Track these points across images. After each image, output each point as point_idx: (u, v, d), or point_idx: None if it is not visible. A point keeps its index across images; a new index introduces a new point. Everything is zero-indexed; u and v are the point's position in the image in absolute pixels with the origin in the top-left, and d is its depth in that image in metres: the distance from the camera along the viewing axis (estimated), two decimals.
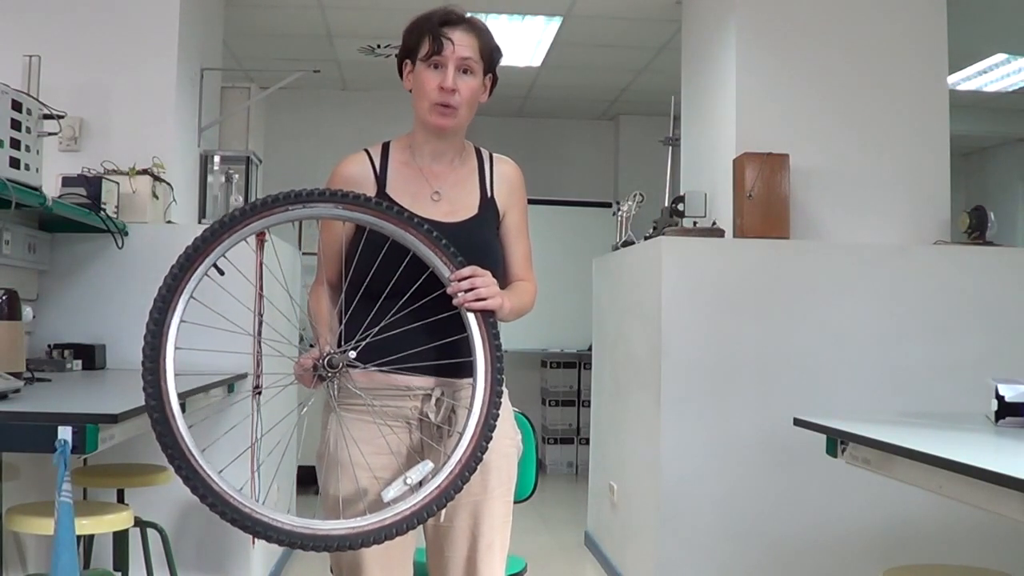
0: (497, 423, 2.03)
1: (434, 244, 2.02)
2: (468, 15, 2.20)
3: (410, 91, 2.22)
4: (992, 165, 9.13)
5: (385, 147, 2.26)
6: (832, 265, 4.15)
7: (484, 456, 2.03)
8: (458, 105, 2.15)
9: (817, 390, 4.03)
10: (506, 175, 2.31)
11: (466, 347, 2.05)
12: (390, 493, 1.94)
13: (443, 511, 2.15)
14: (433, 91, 2.14)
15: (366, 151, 2.25)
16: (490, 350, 2.04)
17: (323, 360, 1.99)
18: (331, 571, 2.25)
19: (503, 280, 2.28)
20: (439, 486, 1.94)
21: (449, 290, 2.03)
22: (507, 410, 2.28)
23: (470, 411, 2.01)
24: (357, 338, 2.02)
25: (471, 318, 2.03)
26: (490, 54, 2.20)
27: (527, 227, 2.36)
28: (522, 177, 2.34)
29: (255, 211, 1.92)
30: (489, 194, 2.26)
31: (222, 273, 1.96)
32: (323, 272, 2.26)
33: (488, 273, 2.07)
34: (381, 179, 2.20)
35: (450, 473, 1.96)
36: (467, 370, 2.09)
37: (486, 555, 2.19)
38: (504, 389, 2.27)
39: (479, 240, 2.19)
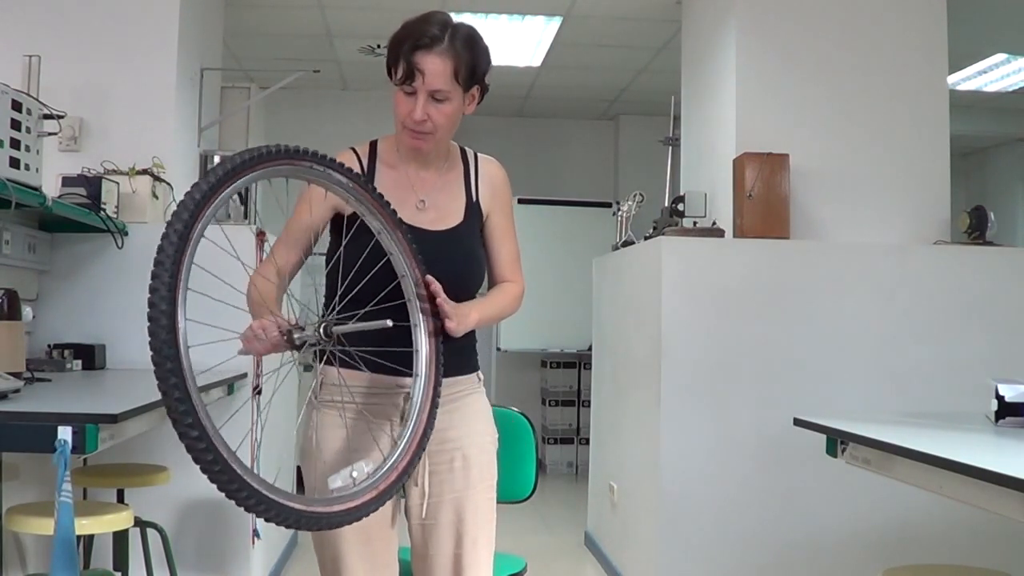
0: (435, 418, 2.05)
1: (413, 256, 2.05)
2: (448, 28, 2.09)
3: None
4: (992, 165, 9.13)
5: (373, 145, 2.24)
6: (832, 265, 4.15)
7: (465, 453, 2.08)
8: (431, 131, 2.12)
9: (817, 390, 4.03)
10: (489, 175, 2.28)
11: (450, 345, 2.09)
12: (336, 481, 1.91)
13: (425, 508, 2.16)
14: (406, 117, 2.11)
15: (353, 149, 2.23)
16: (434, 351, 2.07)
17: (318, 328, 1.92)
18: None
19: (490, 281, 2.30)
20: (379, 484, 1.93)
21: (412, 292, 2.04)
22: (485, 404, 2.30)
23: (412, 414, 2.03)
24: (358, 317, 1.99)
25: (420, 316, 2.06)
26: (470, 73, 2.11)
27: (513, 227, 2.32)
28: (506, 177, 2.31)
29: (287, 154, 1.85)
30: (474, 198, 2.24)
31: (244, 203, 1.95)
32: (277, 256, 2.17)
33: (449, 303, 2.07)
34: (369, 176, 2.19)
35: (388, 475, 1.95)
36: (452, 368, 2.13)
37: (471, 551, 2.19)
38: (482, 387, 2.30)
39: (465, 248, 2.20)
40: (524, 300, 2.33)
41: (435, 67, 2.07)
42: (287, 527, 1.82)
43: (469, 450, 2.20)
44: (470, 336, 2.20)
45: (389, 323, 1.95)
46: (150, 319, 1.62)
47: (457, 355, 2.17)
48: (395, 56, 2.10)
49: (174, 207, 1.71)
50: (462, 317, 2.08)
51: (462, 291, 2.16)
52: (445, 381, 2.15)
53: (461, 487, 2.19)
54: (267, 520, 1.78)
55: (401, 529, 2.23)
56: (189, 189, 1.71)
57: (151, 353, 1.64)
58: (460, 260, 2.15)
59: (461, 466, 2.19)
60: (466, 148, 2.31)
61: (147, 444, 3.62)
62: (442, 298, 2.05)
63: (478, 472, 2.21)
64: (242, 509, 1.74)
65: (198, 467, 1.71)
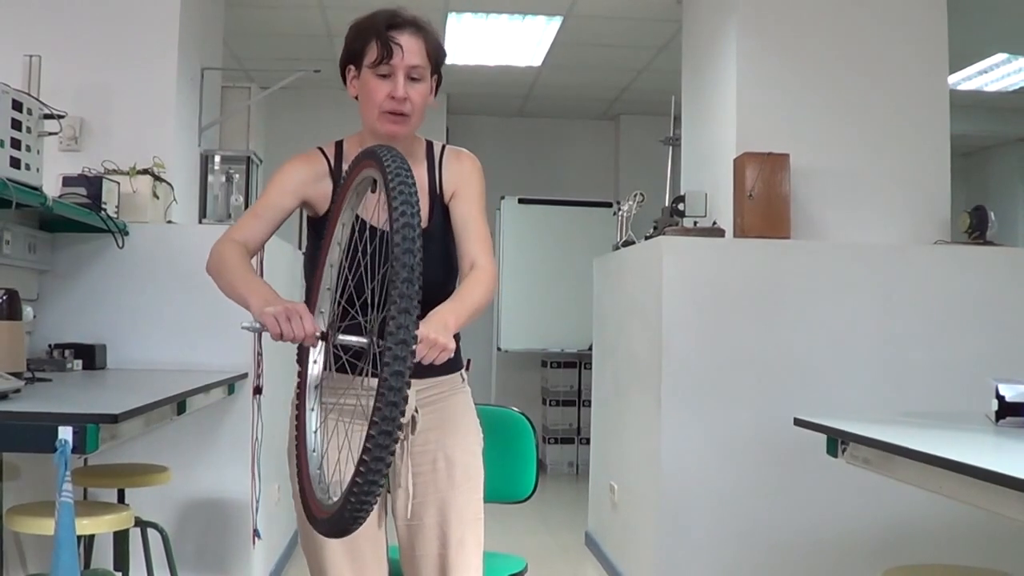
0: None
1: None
2: (410, 15, 2.12)
3: (355, 97, 2.17)
4: (992, 165, 9.13)
5: (339, 145, 2.23)
6: (832, 265, 4.15)
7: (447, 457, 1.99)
8: (410, 112, 2.11)
9: (817, 390, 4.03)
10: (455, 165, 2.24)
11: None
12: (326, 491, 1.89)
13: (409, 509, 2.14)
14: (384, 100, 2.09)
15: (320, 149, 2.22)
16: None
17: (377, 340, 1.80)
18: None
19: (460, 268, 2.18)
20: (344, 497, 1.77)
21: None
22: (469, 404, 2.28)
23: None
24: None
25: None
26: (436, 56, 2.14)
27: (480, 210, 2.22)
28: (475, 164, 2.25)
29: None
30: (438, 191, 2.21)
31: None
32: (250, 228, 2.13)
33: (431, 340, 1.84)
34: (336, 175, 2.17)
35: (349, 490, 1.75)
36: (434, 367, 2.01)
37: (457, 552, 2.17)
38: (467, 387, 2.27)
39: (437, 248, 2.14)
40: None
41: (412, 44, 2.09)
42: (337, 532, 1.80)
43: (452, 451, 2.18)
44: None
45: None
46: (407, 238, 1.66)
47: None
48: (365, 40, 2.10)
49: (394, 183, 1.72)
50: (442, 334, 1.86)
51: (440, 293, 2.07)
52: (428, 381, 2.13)
53: (444, 488, 2.17)
54: (354, 517, 1.71)
55: (391, 528, 2.22)
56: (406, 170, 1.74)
57: (399, 301, 1.63)
58: (434, 262, 2.10)
59: (444, 467, 2.17)
60: (432, 142, 2.27)
61: (148, 444, 3.62)
62: (429, 343, 1.84)
63: (462, 472, 2.20)
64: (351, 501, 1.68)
65: (376, 442, 1.61)
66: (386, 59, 2.07)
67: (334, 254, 2.04)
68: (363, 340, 1.85)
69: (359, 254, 1.98)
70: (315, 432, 2.02)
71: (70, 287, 3.83)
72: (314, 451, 2.00)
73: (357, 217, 2.05)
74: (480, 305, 2.07)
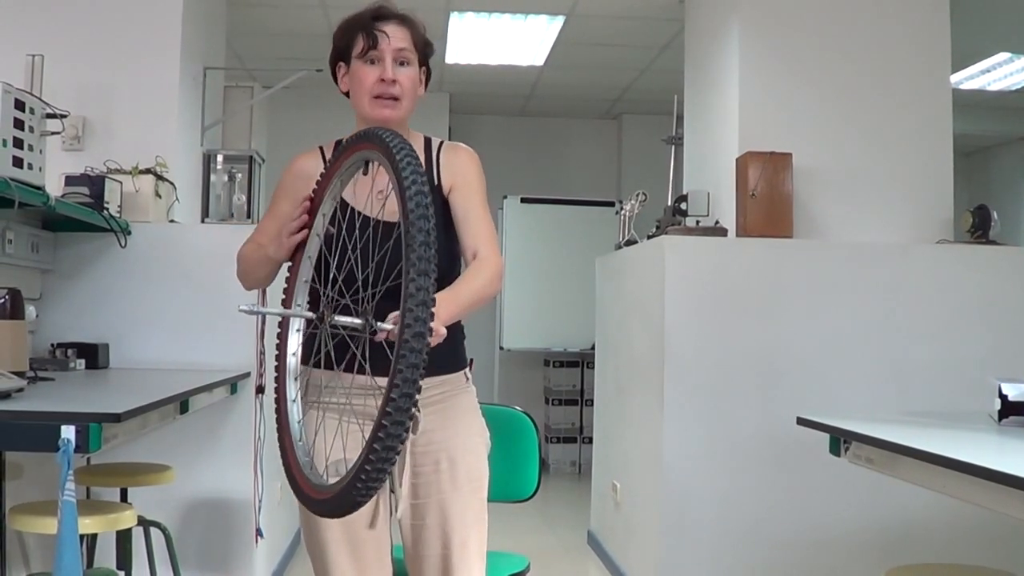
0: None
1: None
2: (399, 10, 2.20)
3: (345, 93, 2.22)
4: (995, 164, 9.12)
5: (338, 144, 2.25)
6: (835, 264, 4.15)
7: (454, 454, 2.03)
8: (400, 95, 2.15)
9: (820, 389, 4.03)
10: (451, 158, 2.24)
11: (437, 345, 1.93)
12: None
13: (411, 509, 2.14)
14: (373, 85, 2.14)
15: (320, 148, 2.27)
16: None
17: (368, 328, 1.82)
18: None
19: (464, 258, 2.19)
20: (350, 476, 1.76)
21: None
22: (473, 404, 2.27)
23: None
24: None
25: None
26: (423, 46, 2.21)
27: (482, 203, 2.22)
28: (472, 158, 2.26)
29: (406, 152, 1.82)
30: (435, 182, 2.21)
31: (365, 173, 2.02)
32: (267, 232, 2.19)
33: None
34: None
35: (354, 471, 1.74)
36: (437, 366, 2.01)
37: (460, 553, 2.17)
38: (472, 387, 2.26)
39: None
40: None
41: (397, 31, 2.17)
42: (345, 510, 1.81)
43: (455, 452, 2.18)
44: (455, 329, 2.15)
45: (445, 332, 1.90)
46: (422, 217, 1.71)
47: (442, 351, 1.90)
48: (352, 34, 2.19)
49: (404, 163, 1.76)
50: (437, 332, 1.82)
51: (441, 286, 2.02)
52: (430, 380, 2.09)
53: (447, 489, 2.17)
54: (362, 496, 1.72)
55: (395, 528, 2.22)
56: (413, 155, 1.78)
57: (418, 262, 1.69)
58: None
59: (447, 468, 2.17)
60: (431, 137, 2.28)
61: (150, 443, 3.63)
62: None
63: (465, 473, 2.19)
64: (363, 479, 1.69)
65: (393, 417, 1.63)
66: (373, 46, 2.14)
67: (312, 246, 2.06)
68: (357, 321, 1.86)
69: (348, 242, 2.00)
70: (299, 422, 2.04)
71: (73, 286, 3.84)
72: (300, 441, 2.01)
73: (347, 205, 2.07)
74: (480, 295, 2.07)
